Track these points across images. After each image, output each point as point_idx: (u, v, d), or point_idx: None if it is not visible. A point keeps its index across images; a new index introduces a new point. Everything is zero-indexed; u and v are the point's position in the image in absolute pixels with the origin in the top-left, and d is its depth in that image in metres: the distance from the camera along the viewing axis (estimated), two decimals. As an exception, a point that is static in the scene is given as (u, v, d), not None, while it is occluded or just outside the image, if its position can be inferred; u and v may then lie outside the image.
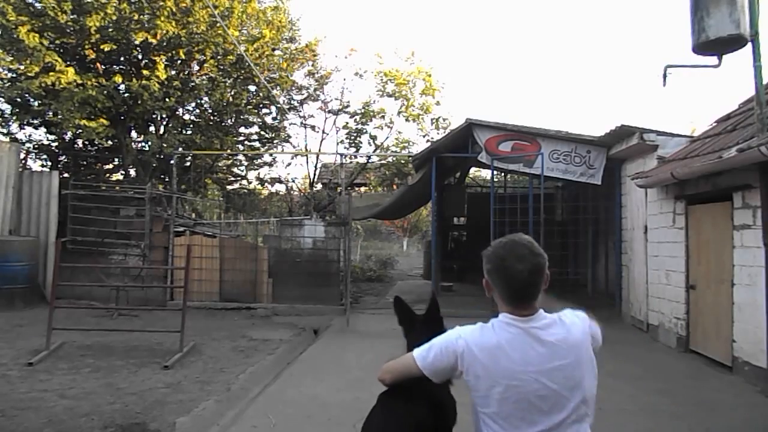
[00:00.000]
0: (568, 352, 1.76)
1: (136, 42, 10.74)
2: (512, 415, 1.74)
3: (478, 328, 1.82)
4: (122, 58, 11.49)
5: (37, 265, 9.74)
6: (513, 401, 1.74)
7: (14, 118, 11.99)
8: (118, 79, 10.59)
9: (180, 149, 11.71)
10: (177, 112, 12.94)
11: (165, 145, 11.50)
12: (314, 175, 16.98)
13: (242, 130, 14.94)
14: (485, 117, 10.63)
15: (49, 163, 12.82)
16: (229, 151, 13.91)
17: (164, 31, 10.52)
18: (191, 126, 13.34)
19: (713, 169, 5.78)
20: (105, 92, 10.35)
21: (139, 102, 10.82)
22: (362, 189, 20.81)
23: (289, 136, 16.37)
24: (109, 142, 11.85)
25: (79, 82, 10.05)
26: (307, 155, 16.20)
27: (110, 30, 10.47)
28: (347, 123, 15.80)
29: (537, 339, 1.76)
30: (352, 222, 11.85)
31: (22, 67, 10.27)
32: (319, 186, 17.65)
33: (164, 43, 11.03)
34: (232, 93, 12.96)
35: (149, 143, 11.97)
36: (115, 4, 10.10)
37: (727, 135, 6.53)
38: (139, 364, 5.82)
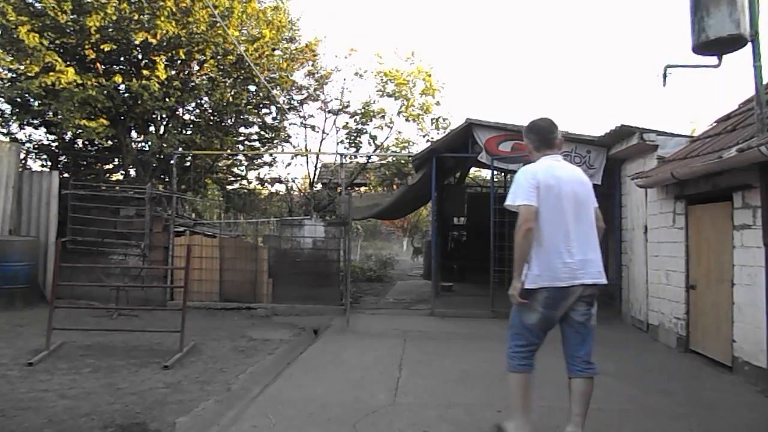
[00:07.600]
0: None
1: (136, 42, 10.72)
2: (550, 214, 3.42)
3: (529, 167, 3.55)
4: (122, 58, 11.48)
5: (37, 265, 9.73)
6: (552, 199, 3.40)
7: (14, 118, 11.97)
8: (118, 79, 10.57)
9: (180, 149, 11.70)
10: (177, 112, 12.93)
11: (165, 145, 11.49)
12: (314, 175, 16.98)
13: (242, 130, 14.93)
14: (485, 117, 10.62)
15: (49, 163, 12.81)
16: (229, 151, 13.90)
17: (164, 31, 10.51)
18: (191, 126, 13.33)
19: (713, 169, 5.77)
20: (105, 92, 10.34)
21: (139, 102, 10.82)
22: (362, 189, 20.79)
23: (289, 136, 16.38)
24: (109, 142, 11.85)
25: (79, 82, 10.03)
26: (307, 155, 16.21)
27: (110, 30, 10.47)
28: (347, 123, 15.78)
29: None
30: (352, 222, 11.85)
31: (22, 67, 10.25)
32: (319, 186, 17.64)
33: (164, 43, 11.02)
34: (232, 93, 12.95)
35: (149, 143, 11.96)
36: (115, 4, 10.08)
37: (727, 135, 6.52)
38: (139, 364, 5.82)
